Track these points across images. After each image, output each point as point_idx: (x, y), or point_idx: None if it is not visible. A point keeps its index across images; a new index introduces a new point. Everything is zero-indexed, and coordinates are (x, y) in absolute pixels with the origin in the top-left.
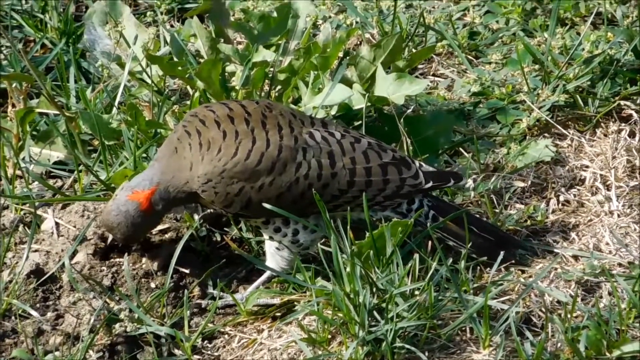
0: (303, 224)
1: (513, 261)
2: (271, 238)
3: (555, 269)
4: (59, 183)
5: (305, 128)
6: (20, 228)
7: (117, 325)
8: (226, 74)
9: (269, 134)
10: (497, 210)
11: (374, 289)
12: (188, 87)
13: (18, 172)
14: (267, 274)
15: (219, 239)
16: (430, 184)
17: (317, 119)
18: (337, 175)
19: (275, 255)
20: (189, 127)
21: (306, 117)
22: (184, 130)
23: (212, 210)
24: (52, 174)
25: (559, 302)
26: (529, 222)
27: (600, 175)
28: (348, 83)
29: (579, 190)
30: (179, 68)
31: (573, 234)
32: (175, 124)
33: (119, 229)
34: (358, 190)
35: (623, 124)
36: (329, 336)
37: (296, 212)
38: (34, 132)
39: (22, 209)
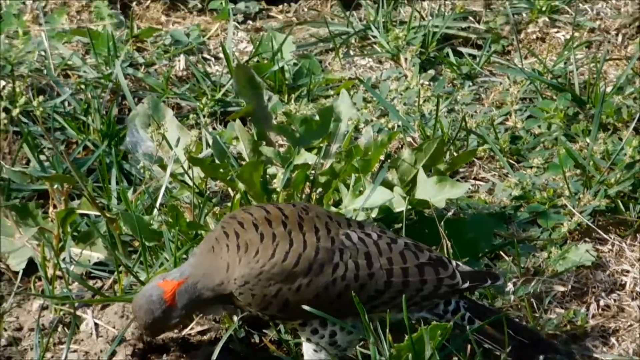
0: (340, 326)
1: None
2: (309, 340)
3: None
4: (99, 284)
5: (342, 229)
6: (60, 328)
7: None
8: (267, 176)
9: (306, 235)
10: (537, 315)
11: None
12: (229, 189)
13: (58, 273)
14: None
15: (257, 340)
16: (467, 284)
17: (354, 220)
18: (374, 276)
19: (313, 358)
20: (228, 228)
21: (342, 219)
22: (223, 231)
23: (249, 312)
24: (92, 274)
25: None
26: (568, 327)
27: None
28: (389, 186)
29: (619, 295)
30: (221, 170)
31: (613, 339)
32: (216, 226)
33: (139, 312)
34: (395, 291)
35: None
36: None
37: (334, 314)
38: (75, 233)
39: (61, 310)
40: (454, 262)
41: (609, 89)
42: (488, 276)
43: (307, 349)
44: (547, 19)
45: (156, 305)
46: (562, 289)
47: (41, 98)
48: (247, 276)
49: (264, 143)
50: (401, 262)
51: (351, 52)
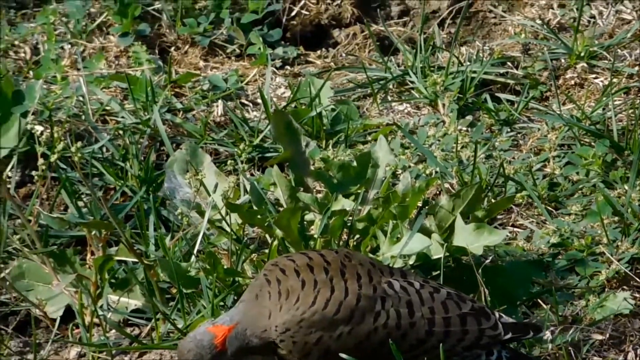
0: None
1: None
2: None
3: None
4: (136, 331)
5: (384, 277)
6: None
7: None
8: (305, 222)
9: (348, 282)
10: None
11: None
12: (267, 235)
13: (96, 320)
14: None
15: None
16: (509, 335)
17: (396, 269)
18: (415, 325)
19: None
20: (270, 275)
21: (385, 267)
22: (265, 278)
23: None
24: (129, 322)
25: None
26: None
27: None
28: (427, 232)
29: None
30: (258, 216)
31: None
32: (254, 273)
33: (188, 356)
34: (437, 340)
35: None
36: None
37: None
38: (112, 280)
39: (99, 357)
40: (496, 313)
41: None
42: (530, 328)
43: None
44: (585, 65)
45: (206, 350)
46: (600, 337)
47: (79, 144)
48: (288, 323)
49: (302, 189)
50: (443, 312)
51: (389, 98)
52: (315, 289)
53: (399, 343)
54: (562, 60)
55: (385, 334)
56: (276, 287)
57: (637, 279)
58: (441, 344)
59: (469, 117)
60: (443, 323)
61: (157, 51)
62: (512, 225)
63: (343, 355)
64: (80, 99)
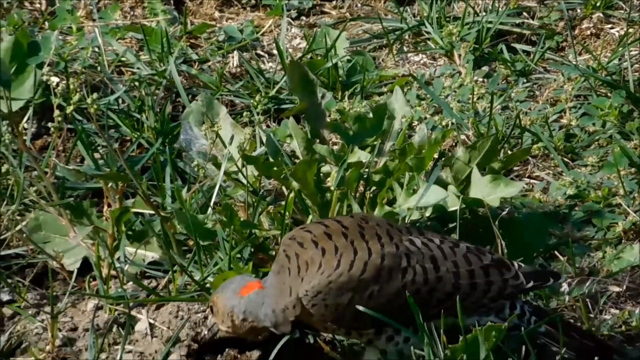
0: (411, 333)
1: None
2: (384, 351)
3: None
4: (154, 283)
5: (404, 236)
6: (114, 329)
7: None
8: (321, 174)
9: (369, 243)
10: (591, 315)
11: None
12: (283, 187)
13: (113, 272)
14: None
15: (312, 341)
16: (531, 284)
17: (413, 227)
18: (442, 280)
19: None
20: (289, 251)
21: (402, 227)
22: (285, 254)
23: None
24: (146, 274)
25: None
26: (623, 328)
27: None
28: (443, 184)
29: None
30: (275, 168)
31: None
32: (270, 225)
33: (214, 301)
34: (463, 293)
35: None
36: None
37: (404, 320)
38: (129, 232)
39: (116, 310)
40: (515, 264)
41: None
42: (550, 275)
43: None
44: (601, 15)
45: (229, 291)
46: (617, 289)
47: (95, 95)
48: (317, 287)
49: (318, 141)
50: (466, 265)
51: (405, 49)
52: (337, 254)
53: (428, 298)
54: (578, 10)
55: (414, 290)
56: (295, 262)
57: None
58: (457, 296)
59: (485, 68)
60: (468, 276)
61: (172, 2)
62: (529, 177)
63: (369, 312)
64: (96, 50)
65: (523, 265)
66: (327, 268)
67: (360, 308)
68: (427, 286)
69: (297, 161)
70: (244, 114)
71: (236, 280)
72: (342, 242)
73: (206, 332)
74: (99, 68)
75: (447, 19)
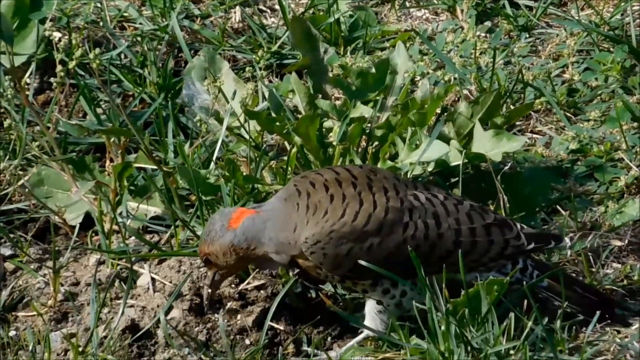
0: (410, 286)
1: (609, 321)
2: (379, 302)
3: None
4: (156, 238)
5: (409, 190)
6: (116, 283)
7: None
8: (324, 129)
9: (376, 196)
10: (593, 269)
11: (469, 348)
12: (285, 142)
13: (115, 227)
14: (364, 333)
15: (314, 295)
16: (532, 245)
17: (419, 182)
18: (443, 236)
19: (376, 318)
20: (300, 186)
21: (409, 181)
22: (296, 188)
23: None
24: (148, 229)
25: None
26: (625, 282)
27: None
28: (445, 139)
29: None
30: (277, 124)
31: None
32: (273, 180)
33: (203, 231)
34: (464, 251)
35: None
36: None
37: (403, 274)
38: (132, 187)
39: (118, 264)
40: (518, 225)
41: None
42: (552, 237)
43: (372, 308)
44: None
45: (217, 225)
46: (618, 243)
47: (97, 50)
48: (318, 235)
49: (320, 96)
50: (468, 223)
51: (407, 4)
52: (344, 203)
53: (428, 254)
54: None
55: (414, 245)
56: (305, 200)
57: None
58: (460, 252)
59: (488, 23)
60: (469, 234)
61: None
62: (531, 132)
63: (367, 264)
64: (98, 5)
65: (525, 227)
66: (332, 216)
67: (362, 262)
68: (428, 242)
69: (299, 116)
70: (247, 69)
71: (215, 221)
72: (350, 192)
73: (208, 291)
74: (101, 23)
75: None
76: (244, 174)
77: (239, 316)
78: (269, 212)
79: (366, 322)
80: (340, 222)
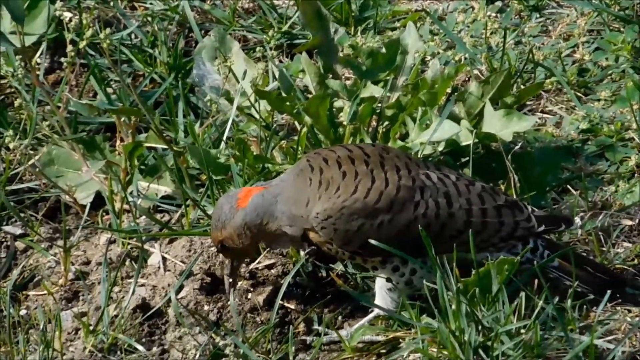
0: (420, 264)
1: (620, 300)
2: (388, 279)
3: None
4: (166, 217)
5: (421, 170)
6: (127, 262)
7: None
8: (334, 109)
9: (388, 174)
10: (604, 249)
11: (480, 327)
12: (296, 122)
13: (125, 207)
14: (375, 312)
15: (324, 274)
16: (542, 228)
17: (431, 162)
18: (454, 216)
19: (386, 296)
20: (313, 162)
21: (420, 161)
22: (308, 164)
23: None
24: (159, 208)
25: None
26: (636, 261)
27: None
28: (456, 119)
29: None
30: (287, 103)
31: None
32: (283, 160)
33: (212, 218)
34: (475, 231)
35: None
36: None
37: (415, 252)
38: (142, 167)
39: (129, 244)
40: (529, 207)
41: None
42: (562, 220)
43: (382, 287)
44: None
45: (226, 207)
46: (629, 223)
47: (108, 30)
48: (329, 210)
49: (331, 76)
50: (480, 204)
51: None
52: (357, 180)
53: (439, 233)
54: None
55: (424, 223)
56: (318, 176)
57: None
58: (470, 230)
59: (498, 3)
60: (480, 214)
61: None
62: (542, 112)
63: (376, 243)
64: None
65: (536, 209)
66: (344, 192)
67: (372, 242)
68: (439, 221)
69: (309, 96)
70: (257, 49)
71: (223, 204)
72: (363, 169)
73: (230, 280)
74: (111, 3)
75: None
76: (255, 153)
77: (249, 295)
78: (280, 186)
79: (376, 301)
80: (352, 199)
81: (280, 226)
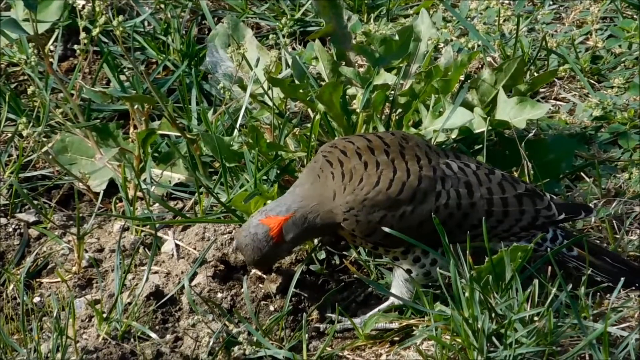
0: (439, 256)
1: (633, 287)
2: (408, 270)
3: None
4: (180, 205)
5: (441, 159)
6: (141, 250)
7: (235, 348)
8: (347, 96)
9: (409, 164)
10: (617, 236)
11: (493, 315)
12: (309, 109)
13: (139, 194)
14: (389, 301)
15: (338, 262)
16: (562, 216)
17: (450, 151)
18: (475, 205)
19: (402, 286)
20: (330, 157)
21: (440, 150)
22: (326, 159)
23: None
24: (172, 195)
25: None
26: None
27: None
28: (469, 106)
29: None
30: (300, 91)
31: None
32: (296, 147)
33: (246, 251)
34: (496, 220)
35: None
36: None
37: (435, 243)
38: (155, 154)
39: (142, 231)
40: (547, 195)
41: None
42: (582, 208)
43: (400, 276)
44: None
45: (263, 243)
46: None
47: (121, 18)
48: (351, 202)
49: (344, 63)
50: (500, 193)
51: None
52: (378, 170)
53: (461, 223)
54: None
55: (447, 213)
56: (339, 169)
57: None
58: (484, 219)
59: None
60: (501, 203)
61: None
62: (555, 99)
63: (399, 234)
64: None
65: (555, 197)
66: (367, 184)
67: (389, 230)
68: (461, 211)
69: (322, 83)
70: (270, 36)
71: (256, 247)
72: (384, 159)
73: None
74: None
75: None
76: (268, 141)
77: (263, 283)
78: (304, 202)
79: (392, 290)
80: (375, 190)
81: (319, 231)
